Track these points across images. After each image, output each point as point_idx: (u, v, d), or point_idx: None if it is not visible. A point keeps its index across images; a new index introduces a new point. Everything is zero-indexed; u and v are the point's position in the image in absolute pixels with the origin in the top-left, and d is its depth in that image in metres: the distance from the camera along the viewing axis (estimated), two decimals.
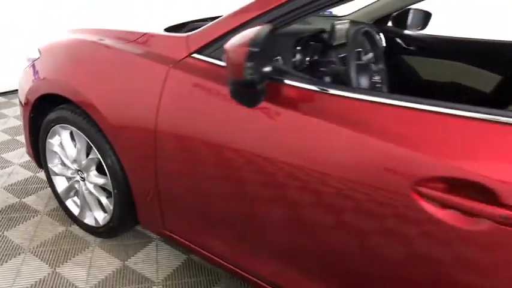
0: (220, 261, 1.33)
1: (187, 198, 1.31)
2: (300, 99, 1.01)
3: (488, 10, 3.56)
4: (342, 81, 1.23)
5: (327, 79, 1.43)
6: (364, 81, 1.29)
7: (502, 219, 0.75)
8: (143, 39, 1.33)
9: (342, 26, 1.66)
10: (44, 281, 1.51)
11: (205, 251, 1.37)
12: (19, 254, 1.63)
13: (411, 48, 2.23)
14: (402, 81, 2.27)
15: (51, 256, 1.63)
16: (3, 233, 1.75)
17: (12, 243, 1.69)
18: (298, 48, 1.40)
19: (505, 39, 1.96)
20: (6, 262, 1.58)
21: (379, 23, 2.30)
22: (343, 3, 1.00)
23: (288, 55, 1.32)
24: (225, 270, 1.34)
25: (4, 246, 1.67)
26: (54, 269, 1.57)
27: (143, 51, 1.30)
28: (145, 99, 1.25)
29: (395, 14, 2.27)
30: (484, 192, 0.76)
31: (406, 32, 2.25)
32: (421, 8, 2.26)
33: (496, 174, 0.75)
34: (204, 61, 1.15)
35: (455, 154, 0.80)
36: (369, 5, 2.28)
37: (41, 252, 1.65)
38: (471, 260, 0.81)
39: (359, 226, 0.93)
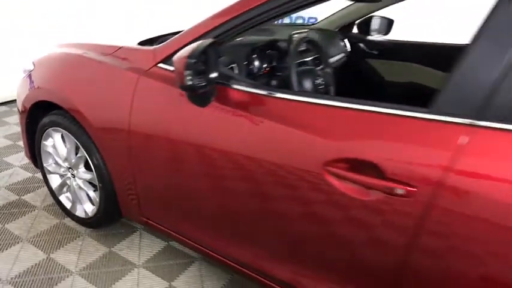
0: (192, 243, 1.54)
1: (157, 188, 1.52)
2: (242, 100, 1.21)
3: (446, 16, 3.76)
4: (287, 85, 1.43)
5: (280, 83, 1.64)
6: (307, 84, 1.50)
7: (387, 190, 0.95)
8: (119, 52, 1.55)
9: (298, 35, 1.87)
10: (39, 264, 1.72)
11: (176, 234, 1.58)
12: (18, 243, 1.85)
13: (373, 52, 2.44)
14: (366, 82, 2.48)
15: (46, 244, 1.85)
16: (4, 225, 1.96)
17: (12, 234, 1.91)
18: (253, 56, 1.61)
19: (455, 42, 2.16)
20: (6, 250, 1.80)
21: (345, 30, 2.51)
22: (276, 20, 1.21)
23: (242, 63, 1.53)
24: (199, 252, 1.55)
25: (5, 237, 1.88)
26: (49, 255, 1.78)
27: (119, 62, 1.51)
28: (120, 104, 1.47)
29: (359, 21, 2.48)
30: (374, 169, 0.96)
31: (369, 37, 2.46)
32: (384, 16, 2.47)
33: (382, 154, 0.96)
34: (167, 70, 1.36)
35: (354, 140, 1.00)
36: (334, 13, 2.49)
37: (37, 241, 1.87)
38: (367, 222, 1.01)
39: (291, 199, 1.14)
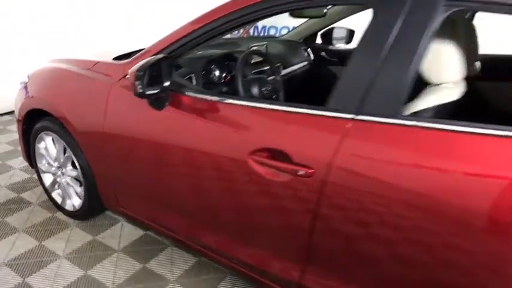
0: (159, 227, 1.80)
1: (129, 182, 1.78)
2: (191, 104, 1.47)
3: None
4: (236, 91, 1.69)
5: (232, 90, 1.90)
6: (254, 91, 1.76)
7: (293, 172, 1.20)
8: (96, 66, 1.82)
9: (257, 47, 2.13)
10: (32, 250, 1.98)
11: (147, 221, 1.83)
12: (14, 233, 2.11)
13: (335, 60, 2.69)
14: (327, 87, 2.72)
15: (38, 234, 2.11)
16: (3, 219, 2.24)
17: (9, 225, 2.17)
18: (211, 67, 1.87)
19: None
20: (4, 239, 2.07)
21: (309, 40, 2.77)
22: (222, 36, 1.48)
23: (200, 73, 1.79)
24: (167, 237, 1.80)
25: (3, 228, 2.15)
26: (40, 242, 2.04)
27: (96, 75, 1.79)
28: (96, 110, 1.73)
29: (321, 32, 2.73)
30: (285, 156, 1.21)
31: (331, 46, 2.71)
32: (344, 26, 2.72)
33: (290, 144, 1.20)
34: None
35: (272, 134, 1.26)
36: (300, 25, 2.75)
37: (31, 231, 2.13)
38: (281, 197, 1.25)
39: (225, 185, 1.39)
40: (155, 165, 1.60)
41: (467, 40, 1.68)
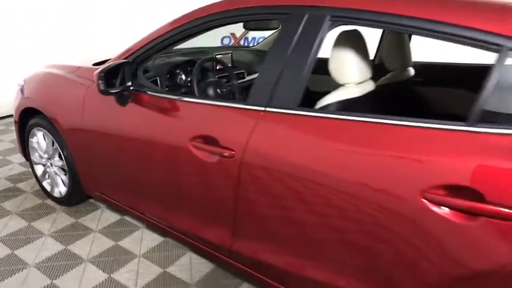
0: (126, 208, 2.09)
1: (102, 169, 2.09)
2: (147, 101, 1.77)
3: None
4: (192, 92, 1.99)
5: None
6: (210, 92, 2.06)
7: (221, 154, 1.48)
8: (78, 71, 2.14)
9: (221, 55, 2.44)
10: (21, 229, 2.29)
11: (119, 203, 2.13)
12: (8, 215, 2.43)
13: None
14: None
15: (28, 216, 2.42)
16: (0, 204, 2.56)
17: (4, 209, 2.49)
18: (176, 71, 2.18)
19: None
20: None
21: None
22: (175, 45, 1.78)
23: (164, 76, 2.10)
24: (136, 217, 2.10)
25: None
26: (29, 223, 2.35)
27: (77, 78, 2.11)
28: (76, 108, 2.05)
29: None
30: (214, 142, 1.50)
31: None
32: None
33: (219, 131, 1.49)
34: None
35: (207, 123, 1.55)
36: (270, 35, 3.06)
37: (23, 214, 2.44)
38: (213, 175, 1.54)
39: (171, 167, 1.68)
40: (120, 154, 1.91)
41: (399, 50, 1.99)
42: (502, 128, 1.02)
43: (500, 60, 1.05)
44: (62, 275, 1.93)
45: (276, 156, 1.36)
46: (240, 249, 1.60)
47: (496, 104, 1.08)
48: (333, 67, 1.50)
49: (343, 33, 1.51)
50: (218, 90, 2.07)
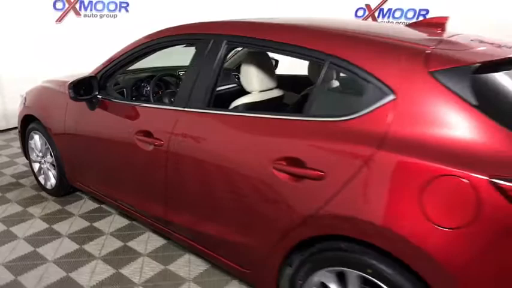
0: (100, 195, 2.59)
1: (80, 163, 2.60)
2: (109, 106, 2.28)
3: None
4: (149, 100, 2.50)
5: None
6: (165, 100, 2.56)
7: (153, 143, 1.96)
8: (64, 84, 2.69)
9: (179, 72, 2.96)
10: (17, 213, 2.81)
11: (94, 191, 2.63)
12: (8, 203, 2.96)
13: None
14: None
15: (25, 203, 2.94)
16: (3, 194, 3.10)
17: (6, 198, 3.03)
18: (142, 84, 2.70)
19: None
20: (0, 206, 2.91)
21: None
22: (135, 63, 2.31)
23: (130, 88, 2.62)
24: (109, 202, 2.59)
25: (2, 200, 3.00)
26: (25, 208, 2.87)
27: (63, 90, 2.65)
28: (61, 114, 2.59)
29: None
30: (150, 134, 1.98)
31: None
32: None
33: (152, 125, 1.98)
34: None
35: (145, 120, 2.04)
36: (236, 53, 3.56)
37: (20, 202, 2.97)
38: (151, 162, 2.02)
39: (123, 156, 2.17)
40: (91, 149, 2.43)
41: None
42: (321, 118, 1.46)
43: (323, 69, 1.50)
44: (44, 245, 2.42)
45: (190, 144, 1.84)
46: (172, 219, 2.06)
47: (320, 101, 1.53)
48: (242, 79, 1.98)
49: (250, 54, 1.99)
50: (172, 98, 2.57)
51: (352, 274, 1.39)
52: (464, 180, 1.13)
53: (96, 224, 2.67)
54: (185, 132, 1.86)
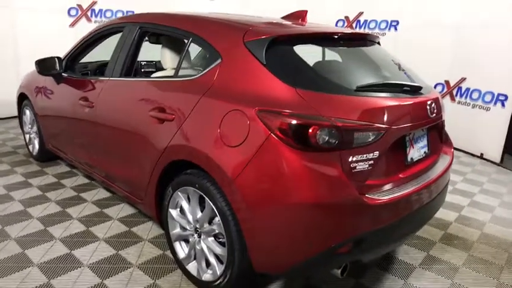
0: (63, 154, 3.21)
1: (54, 131, 3.25)
2: (70, 81, 2.91)
3: None
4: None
5: None
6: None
7: (89, 106, 2.55)
8: None
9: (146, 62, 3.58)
10: (4, 171, 3.48)
11: (58, 150, 3.26)
12: (2, 163, 3.65)
13: None
14: None
15: (13, 165, 3.62)
16: (0, 159, 3.80)
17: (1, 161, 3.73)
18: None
19: None
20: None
21: None
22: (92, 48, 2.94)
23: (93, 71, 3.26)
24: (68, 160, 3.21)
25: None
26: (12, 168, 3.54)
27: None
28: (39, 90, 3.25)
29: None
30: (88, 99, 2.57)
31: None
32: None
33: (91, 94, 2.57)
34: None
35: (88, 90, 2.64)
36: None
37: (10, 163, 3.65)
38: (88, 124, 2.61)
39: (76, 121, 2.79)
40: (56, 117, 3.06)
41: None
42: (182, 78, 1.99)
43: (187, 45, 2.04)
44: (24, 196, 3.06)
45: (107, 103, 2.41)
46: (93, 163, 2.66)
47: (184, 67, 2.07)
48: (161, 59, 2.54)
49: (165, 40, 2.55)
50: None
51: (190, 190, 1.87)
52: (243, 112, 1.60)
53: (63, 181, 3.28)
54: (106, 95, 2.44)
